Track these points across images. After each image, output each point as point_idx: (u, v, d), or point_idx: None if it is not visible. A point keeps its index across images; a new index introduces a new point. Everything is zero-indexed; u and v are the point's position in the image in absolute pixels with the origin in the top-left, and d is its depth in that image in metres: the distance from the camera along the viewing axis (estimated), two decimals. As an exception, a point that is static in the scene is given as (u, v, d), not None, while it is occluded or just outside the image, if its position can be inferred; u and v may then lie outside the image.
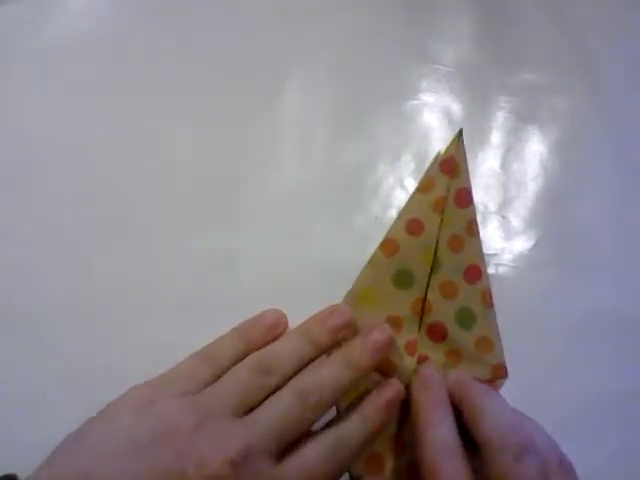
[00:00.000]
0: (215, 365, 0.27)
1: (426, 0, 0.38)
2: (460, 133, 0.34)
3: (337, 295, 0.32)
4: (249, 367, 0.27)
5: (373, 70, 0.36)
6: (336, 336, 0.28)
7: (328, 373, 0.27)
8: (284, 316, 0.30)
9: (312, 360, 0.28)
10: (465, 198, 0.33)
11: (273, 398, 0.26)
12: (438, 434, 0.27)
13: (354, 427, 0.27)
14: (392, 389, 0.29)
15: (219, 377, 0.27)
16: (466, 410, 0.28)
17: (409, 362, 0.31)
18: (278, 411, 0.26)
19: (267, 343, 0.29)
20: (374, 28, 0.37)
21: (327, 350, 0.29)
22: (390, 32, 0.37)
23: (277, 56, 0.36)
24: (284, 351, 0.28)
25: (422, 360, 0.31)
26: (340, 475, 0.27)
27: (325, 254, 0.33)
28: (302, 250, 0.33)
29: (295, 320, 0.31)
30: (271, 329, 0.29)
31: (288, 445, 0.26)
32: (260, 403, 0.26)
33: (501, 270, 0.33)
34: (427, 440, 0.27)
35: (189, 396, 0.26)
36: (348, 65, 0.36)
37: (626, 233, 0.34)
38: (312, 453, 0.26)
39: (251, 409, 0.26)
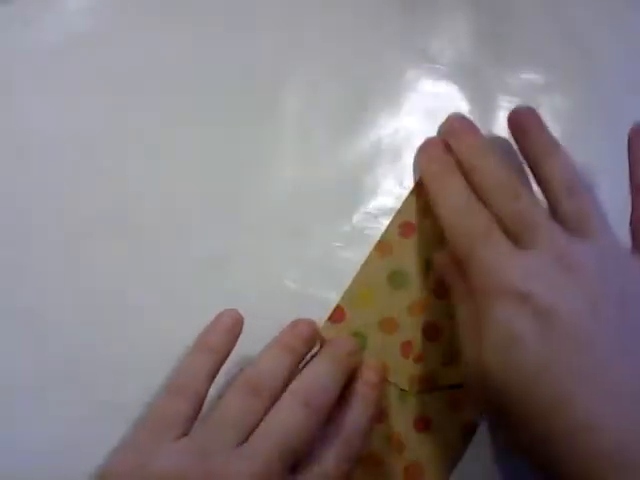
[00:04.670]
0: (190, 394, 0.26)
1: (426, 0, 0.38)
2: None
3: (336, 295, 0.32)
4: (237, 391, 0.26)
5: (373, 70, 0.36)
6: (310, 344, 0.29)
7: (320, 371, 0.27)
8: (238, 314, 0.29)
9: (296, 365, 0.28)
10: None
11: (273, 412, 0.25)
12: (451, 196, 0.29)
13: (358, 415, 0.27)
14: (376, 370, 0.29)
15: (199, 404, 0.26)
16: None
17: (404, 363, 0.31)
18: (281, 423, 0.25)
19: (229, 346, 0.28)
20: (374, 28, 0.37)
21: (304, 356, 0.29)
22: (390, 32, 0.37)
23: (277, 56, 0.36)
24: (268, 366, 0.27)
25: (418, 360, 0.31)
26: (353, 465, 0.27)
27: (324, 254, 0.33)
28: (301, 250, 0.33)
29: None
30: (229, 331, 0.28)
31: (302, 453, 0.25)
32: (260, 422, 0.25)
33: (501, 270, 0.33)
34: (442, 204, 0.29)
35: (180, 440, 0.25)
36: (348, 65, 0.36)
37: (626, 233, 0.34)
38: (327, 453, 0.26)
39: (252, 430, 0.25)
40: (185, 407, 0.26)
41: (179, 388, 0.27)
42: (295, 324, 0.29)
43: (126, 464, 0.25)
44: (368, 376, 0.29)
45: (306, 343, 0.29)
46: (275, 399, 0.26)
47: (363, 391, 0.28)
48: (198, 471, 0.23)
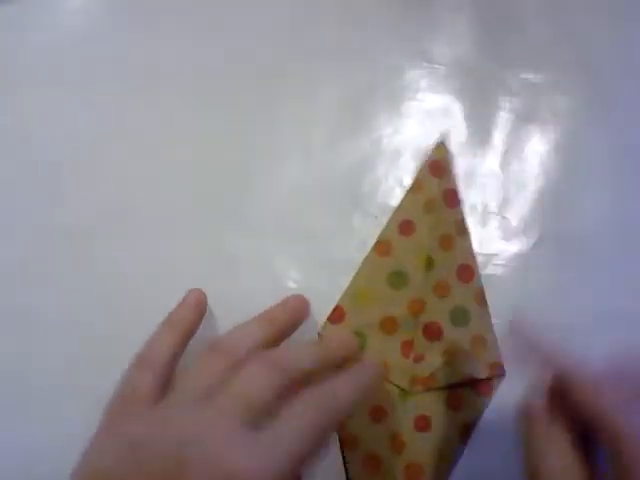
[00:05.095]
0: (157, 368, 0.27)
1: (425, 0, 0.38)
2: (443, 140, 0.35)
3: (336, 295, 0.32)
4: (200, 355, 0.27)
5: (373, 70, 0.36)
6: (295, 315, 0.29)
7: (301, 347, 0.28)
8: (202, 293, 0.30)
9: (274, 339, 0.28)
10: (453, 198, 0.33)
11: (238, 370, 0.25)
12: (555, 464, 0.25)
13: (349, 385, 0.26)
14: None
15: (167, 377, 0.27)
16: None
17: (404, 363, 0.31)
18: (244, 380, 0.24)
19: (195, 323, 0.29)
20: (374, 28, 0.37)
21: (287, 332, 0.29)
22: (390, 32, 0.37)
23: (277, 56, 0.36)
24: (237, 332, 0.28)
25: (418, 360, 0.31)
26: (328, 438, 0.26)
27: (325, 254, 0.33)
28: (302, 249, 0.33)
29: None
30: (193, 309, 0.30)
31: (267, 413, 0.24)
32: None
33: (501, 270, 0.33)
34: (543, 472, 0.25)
35: (150, 409, 0.25)
36: (348, 65, 0.36)
37: (626, 233, 0.34)
38: (303, 416, 0.24)
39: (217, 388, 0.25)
40: (153, 380, 0.27)
41: (148, 362, 0.28)
42: (284, 300, 0.30)
43: (101, 433, 0.26)
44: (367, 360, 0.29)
45: (292, 314, 0.29)
46: (239, 358, 0.26)
47: (359, 367, 0.28)
48: (163, 433, 0.23)
